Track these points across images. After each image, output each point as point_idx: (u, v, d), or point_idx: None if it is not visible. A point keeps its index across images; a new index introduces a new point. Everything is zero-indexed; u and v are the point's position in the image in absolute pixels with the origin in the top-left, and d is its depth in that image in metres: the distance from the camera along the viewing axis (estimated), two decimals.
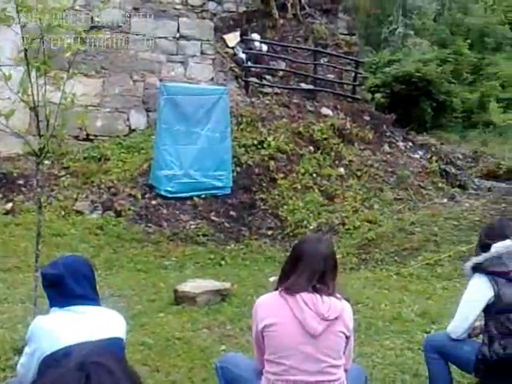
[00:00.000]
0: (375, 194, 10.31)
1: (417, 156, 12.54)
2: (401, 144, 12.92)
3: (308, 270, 2.66)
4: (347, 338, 2.72)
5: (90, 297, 2.58)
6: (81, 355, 1.07)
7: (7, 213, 8.56)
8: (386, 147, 12.33)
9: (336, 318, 2.63)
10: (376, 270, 7.67)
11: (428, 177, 11.49)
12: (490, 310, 3.31)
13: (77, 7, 10.48)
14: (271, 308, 2.70)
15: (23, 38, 4.65)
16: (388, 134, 12.87)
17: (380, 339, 4.95)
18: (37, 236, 4.60)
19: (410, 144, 13.09)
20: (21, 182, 9.35)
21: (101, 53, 10.83)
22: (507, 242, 3.37)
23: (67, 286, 2.51)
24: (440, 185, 11.34)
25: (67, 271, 2.55)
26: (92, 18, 10.52)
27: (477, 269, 3.35)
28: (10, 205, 8.75)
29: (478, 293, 3.32)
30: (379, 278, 7.20)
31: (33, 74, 4.72)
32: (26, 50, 4.73)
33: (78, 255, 3.18)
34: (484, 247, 3.45)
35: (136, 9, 11.18)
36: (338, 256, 8.18)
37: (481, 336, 3.45)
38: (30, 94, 4.61)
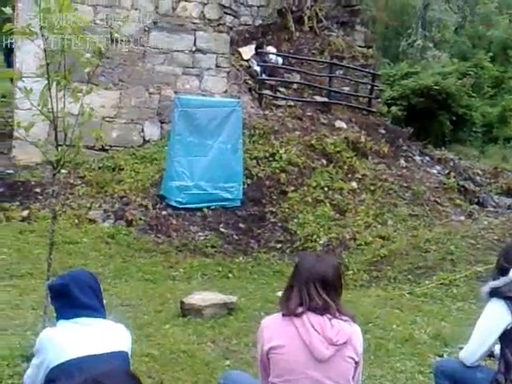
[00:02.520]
0: (389, 209, 10.17)
1: (434, 171, 12.39)
2: (417, 158, 12.79)
3: (307, 290, 2.56)
4: (356, 363, 2.61)
5: (95, 308, 2.62)
6: (88, 370, 1.10)
7: (23, 220, 8.75)
8: (402, 161, 12.22)
9: (345, 343, 2.52)
10: (388, 288, 7.49)
11: (445, 193, 11.28)
12: (507, 337, 3.15)
13: (97, 21, 10.77)
14: (277, 330, 2.60)
15: (45, 52, 4.81)
16: (404, 147, 12.77)
17: (390, 361, 4.83)
18: (49, 245, 4.71)
19: (427, 158, 12.94)
20: (38, 190, 9.55)
21: (119, 66, 11.04)
22: None
23: (73, 296, 2.57)
24: (457, 201, 11.07)
25: (73, 281, 2.61)
26: (111, 33, 10.74)
27: (494, 293, 3.20)
28: (26, 212, 8.94)
29: (495, 319, 3.17)
30: (391, 297, 7.01)
31: (53, 86, 4.87)
32: (47, 65, 4.88)
33: (84, 269, 3.26)
34: (502, 271, 3.30)
35: (154, 23, 11.38)
36: (348, 272, 8.19)
37: (495, 362, 3.31)
38: (50, 107, 4.76)
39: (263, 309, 6.14)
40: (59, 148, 4.99)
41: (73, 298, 2.57)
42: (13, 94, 8.62)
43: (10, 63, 15.50)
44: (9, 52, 15.86)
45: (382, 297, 7.15)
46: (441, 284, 7.31)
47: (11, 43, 11.26)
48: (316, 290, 2.53)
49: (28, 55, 9.74)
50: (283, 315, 2.58)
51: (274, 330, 2.60)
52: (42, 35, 4.87)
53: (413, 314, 6.26)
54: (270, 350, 2.58)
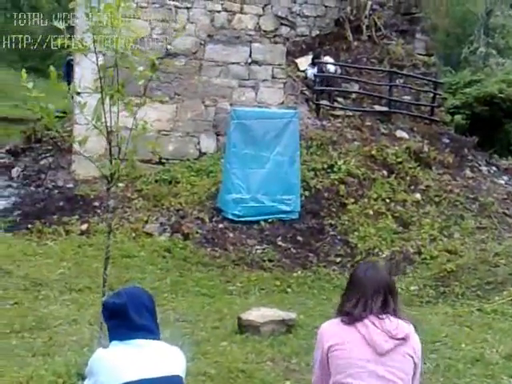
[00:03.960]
0: (455, 221, 9.71)
1: (501, 181, 11.76)
2: (484, 168, 12.18)
3: (365, 298, 2.60)
4: (415, 363, 2.59)
5: (150, 329, 2.48)
6: None
7: (82, 233, 8.83)
8: (468, 172, 11.65)
9: (403, 339, 2.55)
10: (456, 304, 7.21)
11: None
12: None
13: (154, 35, 10.88)
14: (337, 330, 2.63)
15: (98, 66, 4.78)
16: (469, 157, 12.18)
17: (460, 383, 4.61)
18: (105, 260, 4.62)
19: (494, 169, 12.31)
20: (96, 203, 9.64)
21: (175, 79, 11.08)
22: None
23: (129, 317, 2.43)
24: None
25: (130, 300, 2.47)
26: (167, 46, 10.84)
27: None
28: (85, 226, 9.02)
29: None
30: (459, 314, 6.76)
31: (107, 100, 4.84)
32: (100, 79, 4.85)
33: (139, 286, 3.10)
34: None
35: (210, 36, 11.38)
36: (413, 288, 7.79)
37: None
38: (104, 122, 4.72)
39: None
40: (113, 162, 4.93)
41: (129, 320, 2.43)
42: (72, 109, 8.77)
43: (70, 79, 15.96)
44: (68, 68, 16.35)
45: (449, 314, 6.87)
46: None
47: (71, 59, 11.50)
48: (375, 295, 2.59)
49: (86, 70, 9.91)
50: (342, 321, 2.61)
51: (334, 331, 2.63)
52: (95, 49, 4.85)
53: (483, 332, 6.00)
54: (329, 348, 2.59)
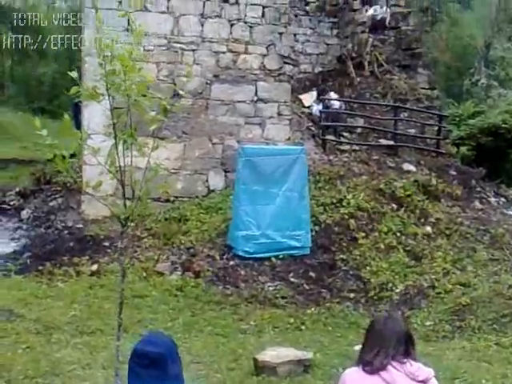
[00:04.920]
0: (467, 254, 9.63)
1: (511, 212, 11.72)
2: (493, 200, 12.16)
3: (385, 348, 2.66)
4: None
5: (181, 378, 2.46)
6: None
7: (92, 274, 8.77)
8: (477, 203, 11.63)
9: (424, 382, 2.62)
10: (473, 339, 7.09)
11: None
12: None
13: (161, 77, 11.06)
14: (359, 377, 2.66)
15: (111, 112, 4.87)
16: (478, 189, 12.18)
17: None
18: (119, 304, 4.58)
19: (503, 199, 12.29)
20: (106, 243, 9.62)
21: (182, 119, 11.20)
22: None
23: (167, 366, 2.40)
24: None
25: (167, 350, 2.43)
26: (175, 88, 11.00)
27: None
28: (95, 266, 8.98)
29: None
30: (477, 349, 6.63)
31: (120, 144, 4.93)
32: (114, 124, 4.93)
33: (162, 332, 3.04)
34: None
35: (216, 76, 11.56)
36: (429, 323, 7.67)
37: None
38: (117, 166, 4.78)
39: (341, 365, 5.74)
40: (127, 205, 4.97)
41: (167, 370, 2.40)
42: (81, 150, 8.85)
43: (77, 120, 16.15)
44: (76, 109, 16.56)
45: (467, 349, 6.78)
46: None
47: (79, 101, 11.69)
48: (395, 345, 2.65)
49: (95, 114, 10.06)
50: (364, 370, 2.65)
51: (356, 378, 2.66)
52: (109, 96, 4.95)
53: (503, 367, 5.92)
54: None
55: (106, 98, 4.99)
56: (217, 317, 7.63)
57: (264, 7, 11.81)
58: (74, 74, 5.28)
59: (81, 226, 10.10)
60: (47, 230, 10.09)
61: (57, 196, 10.90)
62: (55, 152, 4.70)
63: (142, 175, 5.23)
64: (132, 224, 9.57)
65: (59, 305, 7.57)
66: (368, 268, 8.87)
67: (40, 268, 8.62)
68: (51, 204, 10.79)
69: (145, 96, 4.82)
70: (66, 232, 9.91)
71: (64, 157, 4.97)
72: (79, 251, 9.25)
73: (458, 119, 17.54)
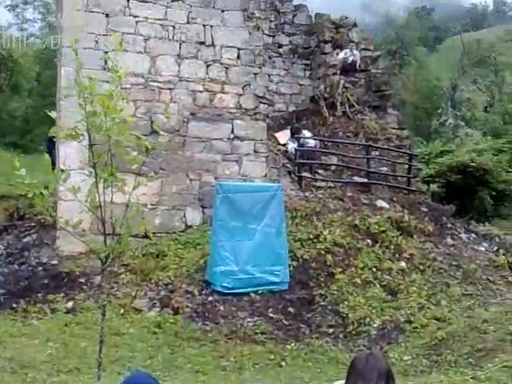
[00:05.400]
0: (441, 289, 9.81)
1: (482, 248, 12.05)
2: (463, 236, 12.49)
3: None
4: None
5: None
6: None
7: (68, 311, 8.62)
8: (449, 239, 11.93)
9: None
10: (449, 373, 7.13)
11: (496, 270, 10.93)
12: None
13: (138, 115, 11.17)
14: None
15: (91, 152, 4.95)
16: (449, 225, 12.51)
17: None
18: (99, 342, 4.56)
19: (473, 235, 12.63)
20: (82, 280, 9.48)
21: (160, 155, 11.28)
22: None
23: None
24: (510, 279, 10.71)
25: None
26: (152, 124, 11.14)
27: None
28: (70, 303, 8.83)
29: None
30: (454, 383, 6.64)
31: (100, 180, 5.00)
32: (94, 164, 5.01)
33: (147, 373, 3.01)
34: None
35: (193, 114, 11.73)
36: (406, 357, 7.73)
37: None
38: (97, 203, 4.84)
39: None
40: (107, 242, 5.01)
41: None
42: (55, 184, 8.80)
43: (52, 155, 15.96)
44: (50, 144, 16.43)
45: (444, 383, 6.73)
46: (504, 367, 6.89)
47: (53, 136, 11.64)
48: (376, 381, 2.73)
49: (71, 150, 10.07)
50: None
51: None
52: (89, 136, 5.04)
53: None
54: None
55: (87, 138, 5.09)
56: (196, 354, 7.55)
57: (239, 49, 12.14)
58: (54, 114, 5.37)
59: (55, 262, 9.94)
60: (21, 267, 9.89)
61: (31, 232, 10.73)
62: (34, 191, 4.75)
63: (119, 211, 5.29)
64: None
65: (34, 343, 7.40)
66: (346, 303, 8.95)
67: (14, 305, 8.43)
68: (25, 240, 10.61)
69: (125, 136, 4.93)
70: (40, 268, 9.74)
71: (43, 195, 5.02)
72: (54, 288, 9.09)
73: (427, 157, 18.10)
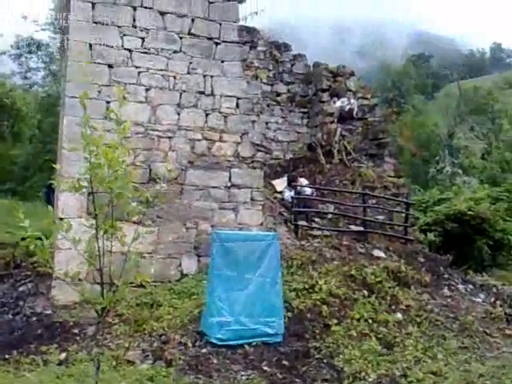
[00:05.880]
0: (438, 342, 9.71)
1: (479, 299, 11.98)
2: (461, 287, 12.44)
3: None
4: None
5: None
6: None
7: (60, 363, 8.49)
8: (446, 290, 11.88)
9: None
10: None
11: (493, 323, 10.84)
12: None
13: (136, 163, 11.33)
14: None
15: (94, 204, 5.04)
16: (446, 276, 12.48)
17: None
18: None
19: (471, 286, 12.58)
20: (76, 330, 9.39)
21: (157, 204, 11.35)
22: None
23: None
24: (507, 331, 10.62)
25: None
26: (150, 172, 11.28)
27: None
28: (63, 355, 8.70)
29: None
30: None
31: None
32: (96, 215, 5.10)
33: None
34: None
35: (191, 162, 11.89)
36: None
37: None
38: (96, 254, 4.90)
39: None
40: (105, 295, 5.03)
41: None
42: (52, 233, 8.85)
43: (49, 199, 16.08)
44: (49, 189, 16.55)
45: None
46: None
47: (52, 183, 11.78)
48: None
49: (70, 198, 10.17)
50: None
51: None
52: (92, 188, 5.15)
53: None
54: None
55: (92, 192, 5.20)
56: None
57: (238, 98, 12.41)
58: (57, 166, 5.51)
59: (50, 312, 9.87)
60: (15, 317, 9.83)
61: (27, 281, 10.71)
62: (36, 243, 4.82)
63: (116, 260, 5.34)
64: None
65: None
66: (341, 356, 8.84)
67: (7, 356, 8.33)
68: (21, 289, 10.58)
69: (129, 190, 5.04)
70: (34, 319, 9.66)
71: (44, 246, 5.09)
72: (47, 339, 8.99)
73: (424, 206, 18.19)
